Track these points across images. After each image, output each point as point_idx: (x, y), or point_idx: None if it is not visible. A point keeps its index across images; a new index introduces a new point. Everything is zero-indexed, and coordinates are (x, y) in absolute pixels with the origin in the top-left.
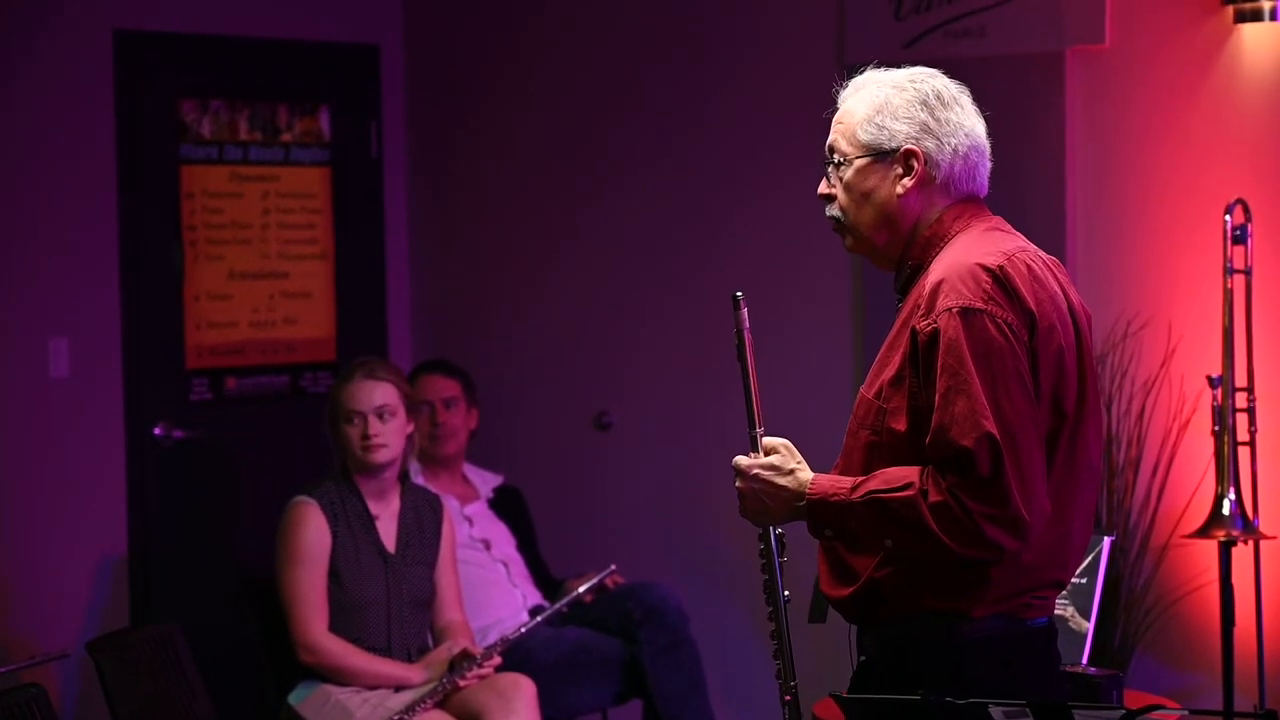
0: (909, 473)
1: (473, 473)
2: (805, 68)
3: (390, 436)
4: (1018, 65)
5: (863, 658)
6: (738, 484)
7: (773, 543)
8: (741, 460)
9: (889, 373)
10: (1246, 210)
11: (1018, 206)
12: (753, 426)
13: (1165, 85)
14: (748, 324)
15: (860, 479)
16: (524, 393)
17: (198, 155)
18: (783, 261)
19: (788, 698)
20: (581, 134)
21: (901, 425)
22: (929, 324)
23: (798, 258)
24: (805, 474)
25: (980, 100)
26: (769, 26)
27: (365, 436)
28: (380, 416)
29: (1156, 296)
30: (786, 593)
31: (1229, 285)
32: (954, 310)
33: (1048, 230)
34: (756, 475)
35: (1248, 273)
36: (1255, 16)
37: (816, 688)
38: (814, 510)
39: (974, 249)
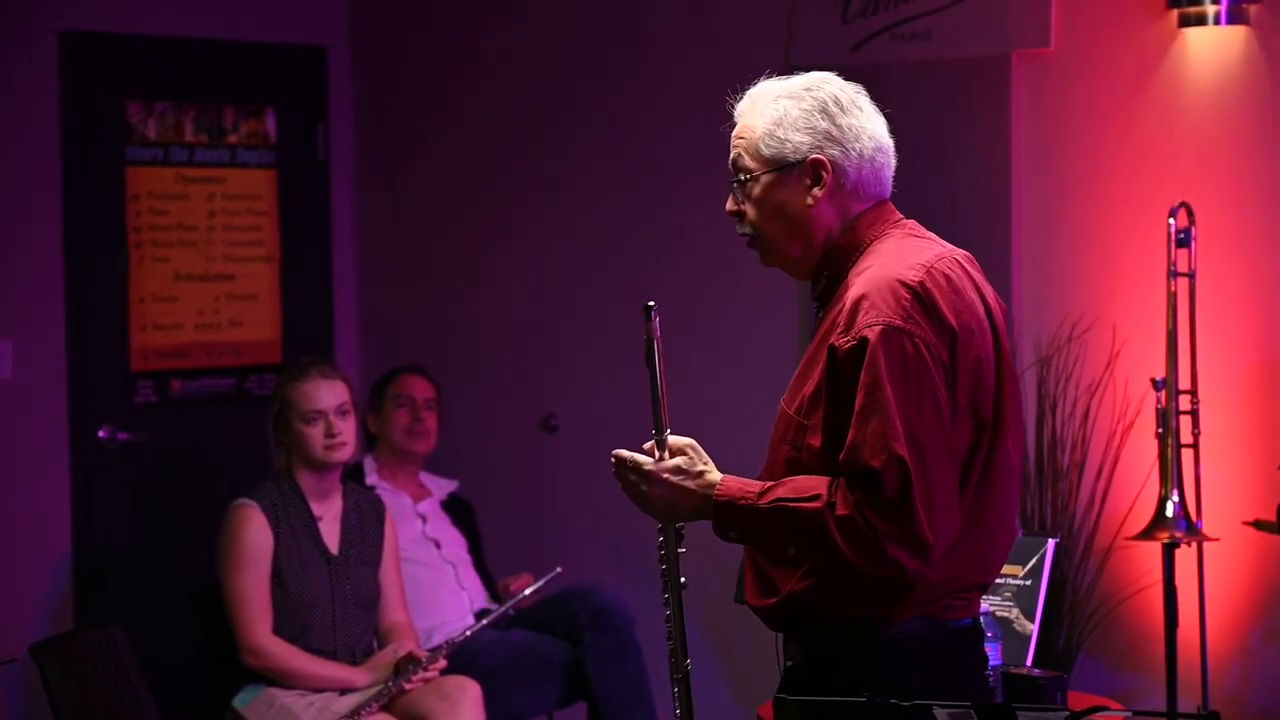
0: (818, 483)
1: (428, 479)
2: (753, 71)
3: (349, 434)
4: (963, 68)
5: (789, 663)
6: (644, 487)
7: (672, 535)
8: (643, 461)
9: (809, 388)
10: (1190, 214)
11: (963, 209)
12: (659, 430)
13: (1110, 89)
14: (659, 333)
15: (770, 485)
16: (471, 395)
17: (143, 157)
18: (728, 265)
19: (679, 676)
20: (528, 136)
21: (819, 442)
22: (848, 341)
23: (744, 261)
24: (713, 475)
25: (926, 103)
26: (717, 30)
27: (330, 435)
28: (341, 415)
29: (1101, 299)
30: (684, 579)
31: (1173, 288)
32: (874, 328)
33: (993, 233)
34: (665, 480)
35: (1191, 276)
36: (1200, 21)
37: (761, 690)
38: (720, 511)
39: (892, 262)
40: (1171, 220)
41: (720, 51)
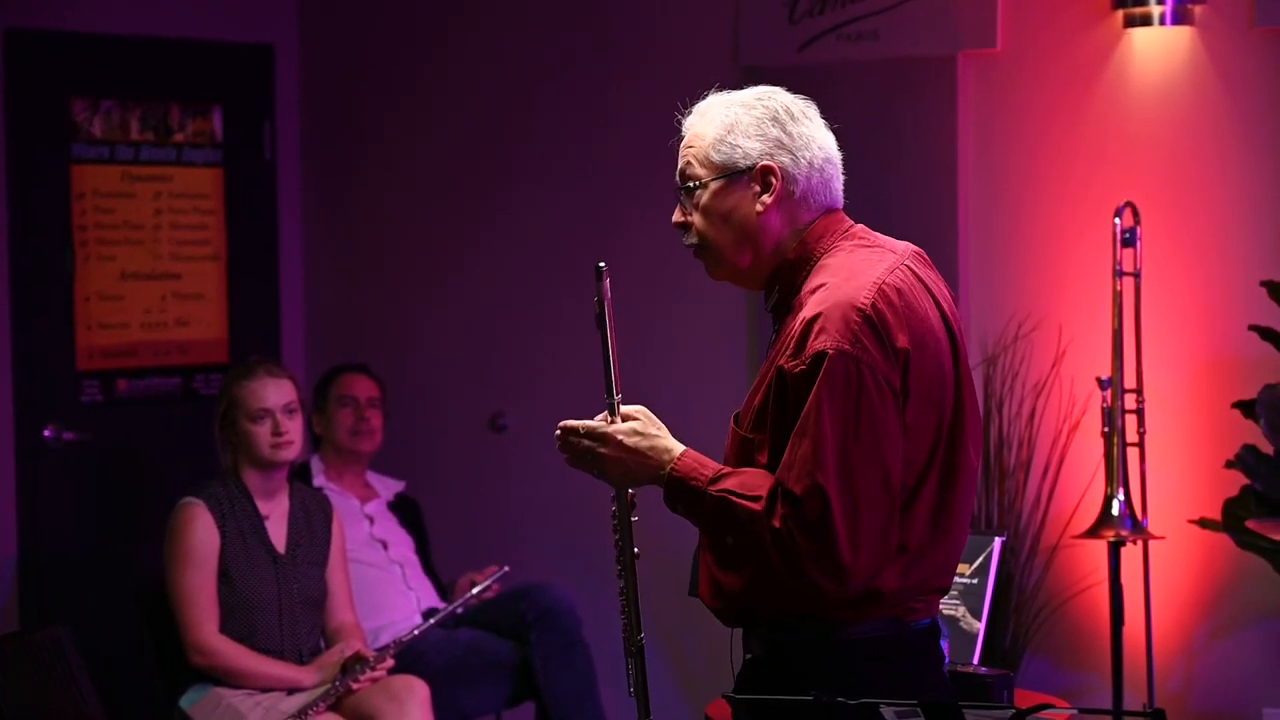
0: (764, 484)
1: (374, 479)
2: (701, 72)
3: (296, 433)
4: (910, 68)
5: (748, 655)
6: (600, 449)
7: (625, 502)
8: (596, 425)
9: (757, 403)
10: (1135, 213)
11: (909, 208)
12: (611, 394)
13: (1056, 89)
14: (609, 295)
15: (724, 471)
16: (419, 395)
17: (89, 155)
18: (677, 267)
19: (633, 649)
20: (476, 136)
21: (765, 459)
22: (797, 365)
23: (692, 263)
24: (667, 441)
25: (873, 103)
26: (666, 31)
27: (277, 433)
28: (289, 413)
29: (1047, 299)
30: (636, 549)
31: (1118, 287)
32: (822, 352)
33: (939, 233)
34: (620, 441)
35: (1136, 275)
36: (1145, 21)
37: (709, 688)
38: (672, 486)
39: (844, 282)
40: (1117, 220)
41: (668, 51)
